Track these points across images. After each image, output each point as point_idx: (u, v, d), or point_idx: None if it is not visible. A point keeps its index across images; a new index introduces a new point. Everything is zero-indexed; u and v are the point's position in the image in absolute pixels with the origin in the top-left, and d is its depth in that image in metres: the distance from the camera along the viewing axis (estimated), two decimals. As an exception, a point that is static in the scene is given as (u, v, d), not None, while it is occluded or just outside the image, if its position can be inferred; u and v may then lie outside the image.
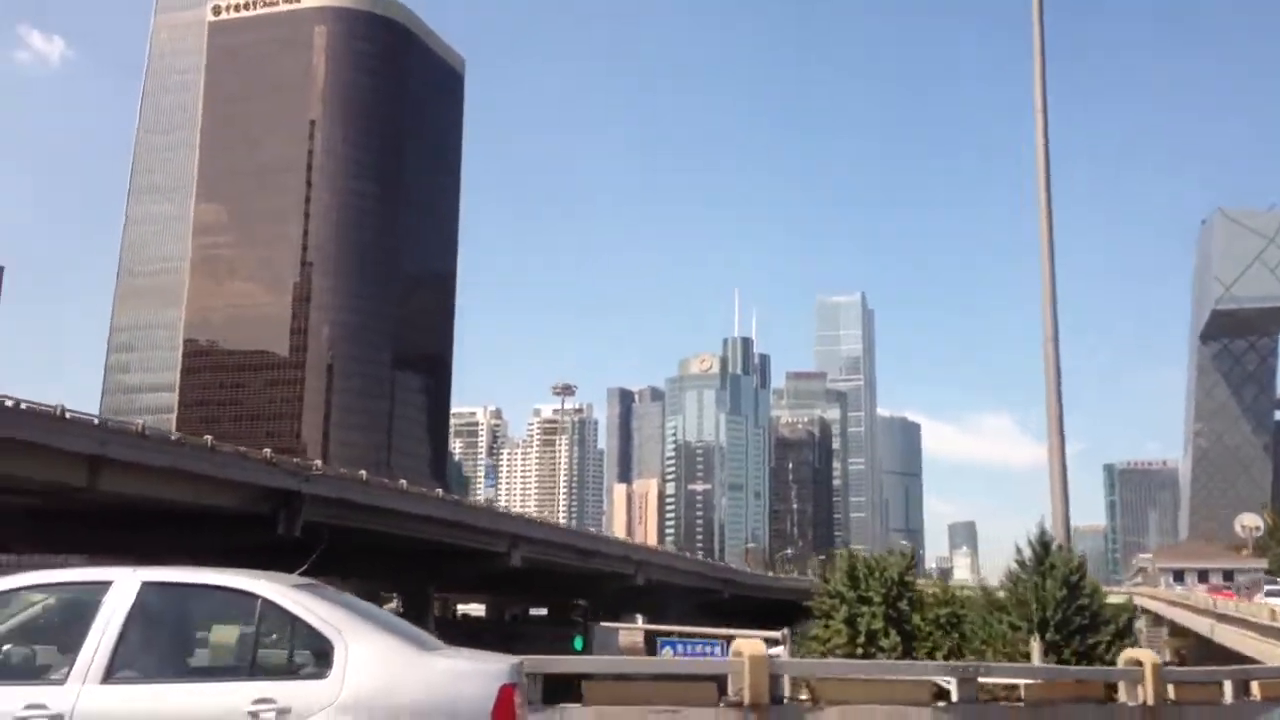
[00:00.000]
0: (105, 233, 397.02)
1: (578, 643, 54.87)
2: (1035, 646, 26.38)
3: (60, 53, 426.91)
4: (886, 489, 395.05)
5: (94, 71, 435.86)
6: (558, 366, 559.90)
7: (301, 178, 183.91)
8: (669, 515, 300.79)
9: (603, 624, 51.59)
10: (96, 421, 37.81)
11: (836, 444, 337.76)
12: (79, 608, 5.76)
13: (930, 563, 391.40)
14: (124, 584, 5.70)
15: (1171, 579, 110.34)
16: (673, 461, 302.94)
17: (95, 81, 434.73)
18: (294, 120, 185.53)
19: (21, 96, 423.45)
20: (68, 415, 36.04)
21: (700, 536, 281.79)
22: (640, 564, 76.88)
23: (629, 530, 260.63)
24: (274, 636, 5.90)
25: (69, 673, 5.44)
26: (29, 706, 5.33)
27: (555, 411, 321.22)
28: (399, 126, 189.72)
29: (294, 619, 5.68)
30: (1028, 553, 27.03)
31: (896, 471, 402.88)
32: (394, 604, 67.28)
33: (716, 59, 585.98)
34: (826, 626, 32.64)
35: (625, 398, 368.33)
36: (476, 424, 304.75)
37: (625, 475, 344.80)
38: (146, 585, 5.74)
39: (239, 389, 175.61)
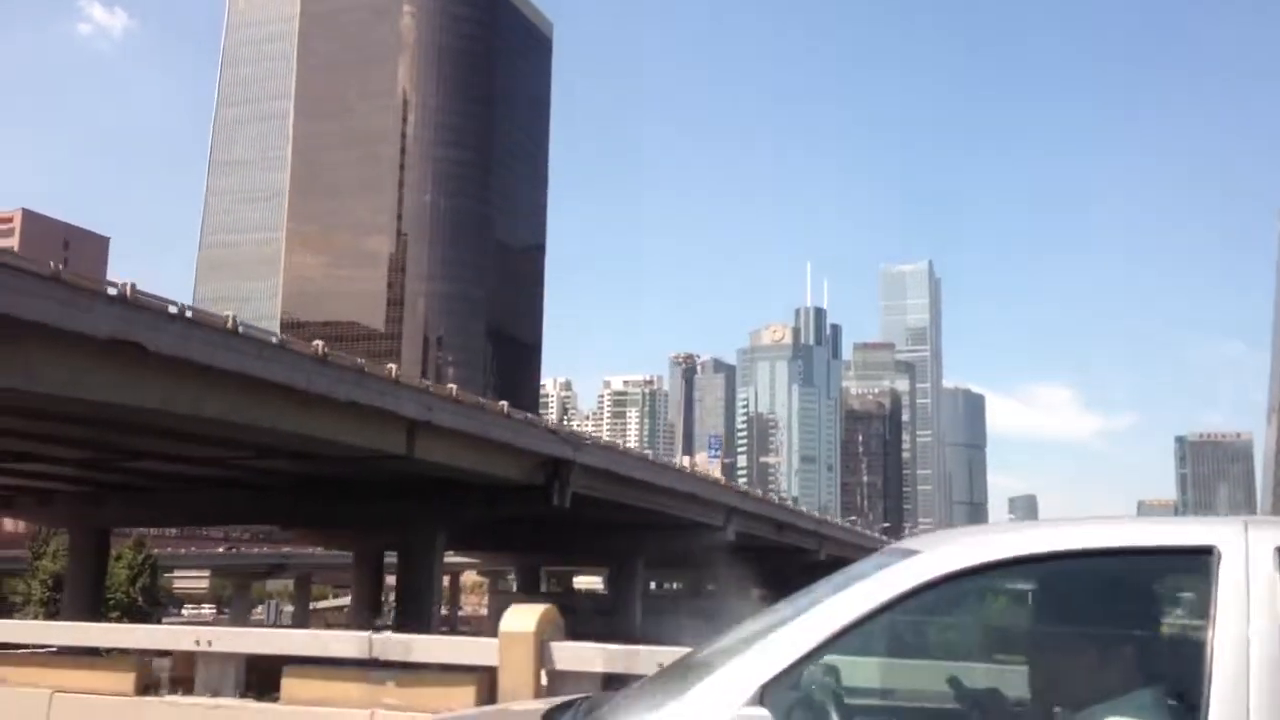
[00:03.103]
0: (182, 205, 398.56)
1: None
2: None
3: (123, 25, 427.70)
4: (950, 461, 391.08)
5: (160, 43, 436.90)
6: (625, 339, 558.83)
7: (395, 146, 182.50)
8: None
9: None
10: (425, 385, 35.98)
11: (906, 416, 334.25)
12: (1143, 606, 2.89)
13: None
14: (1241, 553, 2.56)
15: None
16: (744, 433, 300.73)
17: (161, 53, 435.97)
18: (386, 87, 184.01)
19: (87, 69, 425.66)
20: (399, 379, 34.40)
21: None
22: (825, 539, 74.95)
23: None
24: None
25: None
26: None
27: (626, 383, 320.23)
28: (491, 93, 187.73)
29: None
30: None
31: (961, 444, 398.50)
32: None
33: (788, 30, 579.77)
34: None
35: (688, 369, 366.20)
36: (547, 396, 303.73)
37: (688, 447, 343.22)
38: None
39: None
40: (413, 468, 38.05)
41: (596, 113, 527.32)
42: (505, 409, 40.49)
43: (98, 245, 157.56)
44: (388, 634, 4.61)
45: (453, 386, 37.60)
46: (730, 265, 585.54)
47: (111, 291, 24.90)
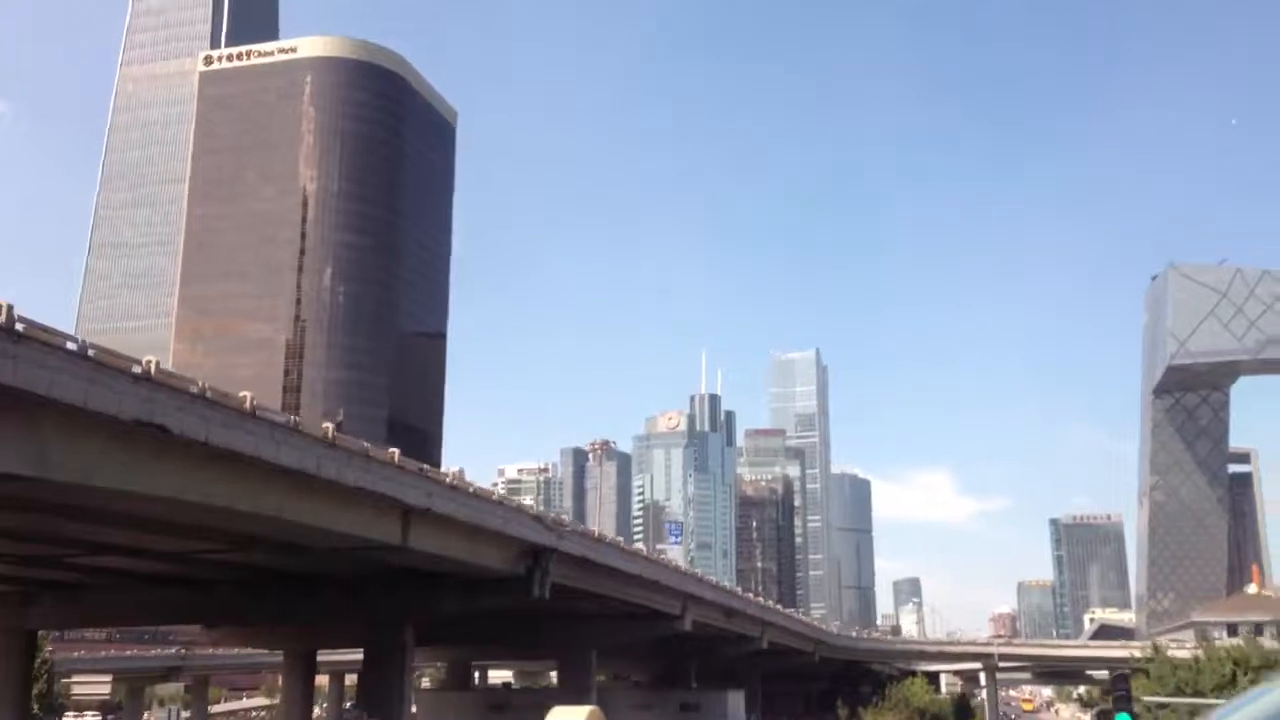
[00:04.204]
0: (59, 292, 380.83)
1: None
2: None
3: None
4: (839, 546, 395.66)
5: (40, 128, 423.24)
6: (521, 426, 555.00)
7: (295, 230, 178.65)
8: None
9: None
10: (422, 469, 34.20)
11: (797, 501, 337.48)
12: None
13: (878, 620, 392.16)
14: None
15: (1225, 632, 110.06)
16: (639, 520, 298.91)
17: (41, 138, 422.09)
18: (287, 171, 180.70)
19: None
20: (401, 464, 32.63)
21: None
22: (767, 625, 73.99)
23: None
24: None
25: None
26: None
27: (520, 471, 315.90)
28: (393, 179, 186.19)
29: None
30: None
31: (848, 528, 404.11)
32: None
33: (682, 124, 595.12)
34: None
35: (579, 457, 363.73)
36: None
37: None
38: None
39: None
40: (403, 558, 36.06)
41: (496, 202, 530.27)
42: (498, 495, 38.85)
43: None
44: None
45: (449, 471, 35.86)
46: (626, 354, 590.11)
47: (136, 370, 22.95)
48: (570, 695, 60.99)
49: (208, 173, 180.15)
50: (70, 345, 21.54)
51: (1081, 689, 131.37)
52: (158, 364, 23.60)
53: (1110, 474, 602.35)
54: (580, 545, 44.66)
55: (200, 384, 25.07)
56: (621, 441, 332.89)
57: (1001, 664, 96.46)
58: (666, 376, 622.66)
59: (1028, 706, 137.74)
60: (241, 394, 26.86)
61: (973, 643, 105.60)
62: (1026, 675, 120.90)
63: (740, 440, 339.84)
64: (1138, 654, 65.83)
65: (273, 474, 27.64)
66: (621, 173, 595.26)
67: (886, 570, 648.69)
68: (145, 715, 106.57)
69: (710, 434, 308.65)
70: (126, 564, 39.91)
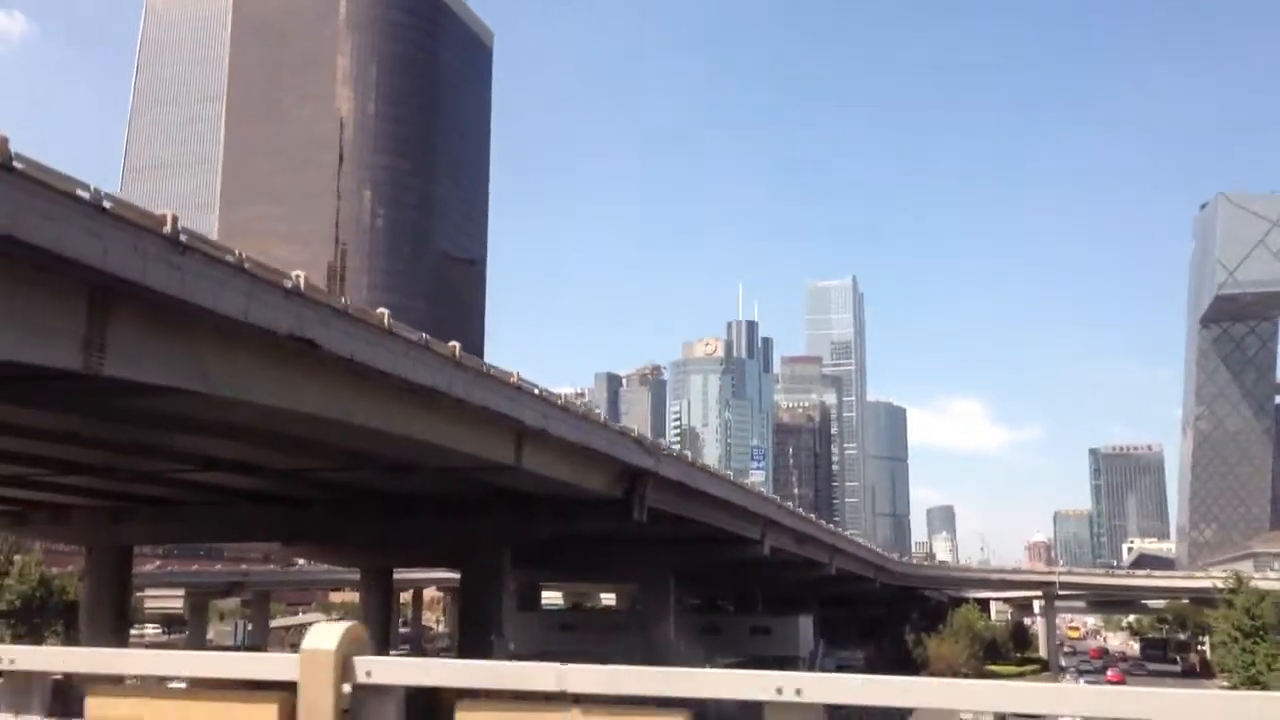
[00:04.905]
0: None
1: None
2: None
3: (21, 29, 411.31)
4: (874, 474, 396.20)
5: (65, 46, 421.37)
6: (556, 351, 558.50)
7: (333, 153, 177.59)
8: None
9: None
10: (538, 390, 33.52)
11: (834, 429, 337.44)
12: None
13: (912, 547, 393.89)
14: None
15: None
16: (676, 445, 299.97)
17: (67, 56, 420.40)
18: (323, 92, 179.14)
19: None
20: (520, 384, 31.96)
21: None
22: (836, 551, 73.78)
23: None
24: None
25: None
26: None
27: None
28: (430, 100, 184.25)
29: None
30: None
31: (883, 456, 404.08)
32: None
33: (721, 54, 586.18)
34: None
35: (613, 382, 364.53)
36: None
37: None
38: None
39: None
40: (512, 479, 35.54)
41: (534, 128, 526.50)
42: (603, 417, 38.21)
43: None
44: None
45: (561, 392, 35.21)
46: (662, 282, 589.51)
47: (287, 284, 22.20)
48: (649, 619, 61.20)
49: (243, 93, 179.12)
50: (229, 258, 20.77)
51: (1131, 618, 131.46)
52: (306, 279, 22.81)
53: (1146, 404, 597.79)
54: (676, 469, 44.08)
55: (343, 300, 24.34)
56: (653, 367, 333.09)
57: (1062, 592, 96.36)
58: (703, 304, 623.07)
59: (1074, 634, 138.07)
60: (379, 310, 26.15)
61: (1033, 570, 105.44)
62: (1078, 604, 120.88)
63: (777, 367, 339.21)
64: (1219, 584, 65.03)
65: (404, 392, 26.99)
66: (658, 99, 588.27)
67: (921, 499, 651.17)
68: (209, 628, 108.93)
69: (747, 360, 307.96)
70: (225, 480, 39.62)
